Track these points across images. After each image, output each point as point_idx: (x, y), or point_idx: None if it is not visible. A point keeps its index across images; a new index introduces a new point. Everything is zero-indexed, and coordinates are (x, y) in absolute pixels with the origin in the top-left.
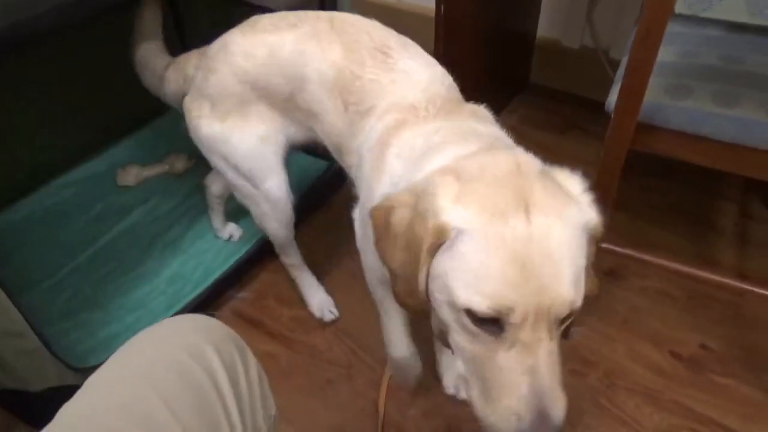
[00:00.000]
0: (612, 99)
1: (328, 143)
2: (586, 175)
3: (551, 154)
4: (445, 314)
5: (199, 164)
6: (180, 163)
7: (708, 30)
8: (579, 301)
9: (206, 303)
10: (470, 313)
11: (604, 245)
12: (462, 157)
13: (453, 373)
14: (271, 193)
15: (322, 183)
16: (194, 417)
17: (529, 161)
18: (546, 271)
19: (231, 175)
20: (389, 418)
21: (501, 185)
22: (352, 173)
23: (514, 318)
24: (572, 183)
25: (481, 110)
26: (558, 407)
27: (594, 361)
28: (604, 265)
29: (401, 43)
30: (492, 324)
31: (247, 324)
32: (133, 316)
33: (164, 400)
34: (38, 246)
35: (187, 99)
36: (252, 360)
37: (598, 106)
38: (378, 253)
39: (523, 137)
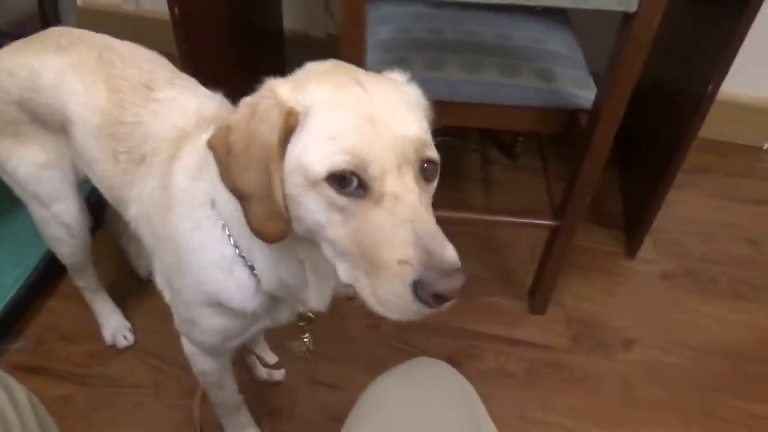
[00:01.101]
0: None
1: (104, 194)
2: None
3: None
4: (310, 206)
5: None
6: None
7: (417, 8)
8: (433, 150)
9: None
10: (332, 179)
11: None
12: None
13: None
14: (62, 217)
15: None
16: None
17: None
18: (393, 121)
19: (19, 193)
20: (207, 419)
21: (329, 74)
22: (135, 227)
23: (374, 169)
24: (395, 75)
25: None
26: (449, 248)
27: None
28: None
29: (169, 77)
30: (357, 188)
31: (31, 374)
32: None
33: None
34: None
35: None
36: (20, 393)
37: None
38: (227, 185)
39: None
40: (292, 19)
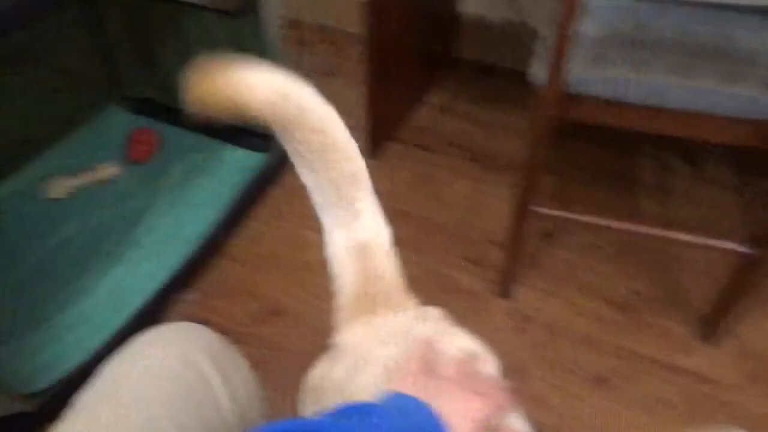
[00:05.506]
0: (534, 70)
1: None
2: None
3: (484, 127)
4: None
5: (130, 170)
6: (109, 170)
7: (622, 1)
8: None
9: (154, 310)
10: None
11: (537, 209)
12: None
13: None
14: None
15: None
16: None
17: None
18: None
19: None
20: None
21: None
22: None
23: None
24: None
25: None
26: None
27: (534, 316)
28: (540, 227)
29: None
30: None
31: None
32: (75, 333)
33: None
34: None
35: None
36: (241, 359)
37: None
38: None
39: (455, 113)
40: (472, 2)
